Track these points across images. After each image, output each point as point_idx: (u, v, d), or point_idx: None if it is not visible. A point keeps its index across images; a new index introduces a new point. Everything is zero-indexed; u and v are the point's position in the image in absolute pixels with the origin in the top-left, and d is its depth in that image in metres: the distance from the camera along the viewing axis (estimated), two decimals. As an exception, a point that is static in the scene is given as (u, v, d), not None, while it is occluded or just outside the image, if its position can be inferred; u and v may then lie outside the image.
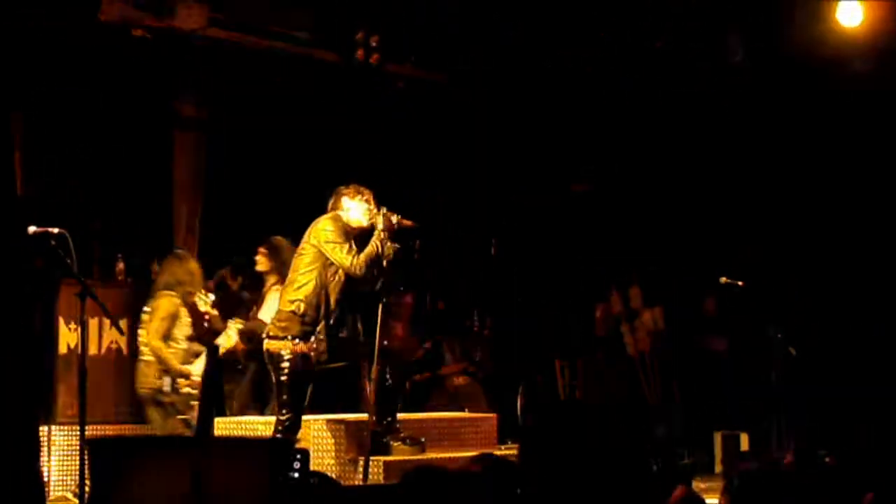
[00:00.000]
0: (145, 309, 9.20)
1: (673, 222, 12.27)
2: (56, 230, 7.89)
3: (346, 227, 7.93)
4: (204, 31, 10.80)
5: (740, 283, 10.11)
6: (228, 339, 9.44)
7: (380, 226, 7.85)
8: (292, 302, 7.83)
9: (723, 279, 10.18)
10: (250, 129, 11.70)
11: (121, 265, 10.31)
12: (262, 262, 9.75)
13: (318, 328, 7.82)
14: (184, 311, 9.19)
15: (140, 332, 9.22)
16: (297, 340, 7.75)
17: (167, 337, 9.10)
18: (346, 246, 7.82)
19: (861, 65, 10.94)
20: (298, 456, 6.14)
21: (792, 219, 11.71)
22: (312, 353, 7.78)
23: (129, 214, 11.04)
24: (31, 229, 7.94)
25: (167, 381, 9.06)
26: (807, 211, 11.68)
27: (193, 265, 9.48)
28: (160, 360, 9.05)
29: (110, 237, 10.92)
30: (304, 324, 7.79)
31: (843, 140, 11.53)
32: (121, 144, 11.36)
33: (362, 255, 7.80)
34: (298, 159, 11.70)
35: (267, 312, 9.07)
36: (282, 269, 8.98)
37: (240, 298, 10.54)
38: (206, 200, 12.06)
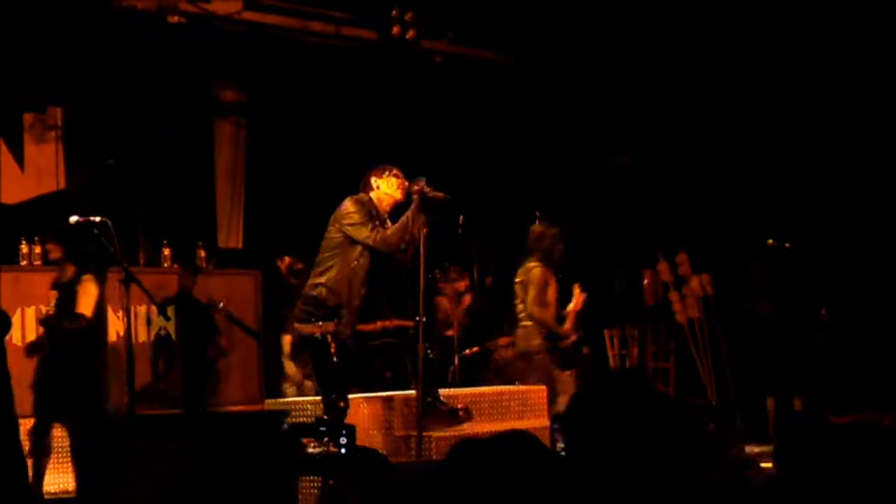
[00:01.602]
0: (516, 280, 9.63)
1: (718, 186, 12.15)
2: (98, 218, 7.95)
3: (373, 206, 7.89)
4: (240, 15, 10.83)
5: (787, 244, 10.01)
6: None
7: (415, 195, 7.80)
8: (315, 287, 7.82)
9: (770, 241, 10.08)
10: (290, 112, 11.71)
11: (166, 251, 10.34)
12: (54, 250, 8.82)
13: (344, 312, 7.76)
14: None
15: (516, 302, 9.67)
16: (320, 322, 7.74)
17: (543, 303, 9.53)
18: (370, 224, 7.79)
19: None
20: (344, 432, 6.17)
21: (838, 180, 11.54)
22: (340, 334, 7.76)
23: (173, 200, 11.08)
24: (73, 219, 8.01)
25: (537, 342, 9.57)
26: (853, 173, 11.51)
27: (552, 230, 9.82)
28: (541, 324, 9.54)
29: (154, 224, 10.96)
30: (327, 307, 7.76)
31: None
32: (162, 131, 11.40)
33: (390, 229, 7.78)
34: (338, 141, 11.69)
35: (85, 305, 8.59)
36: (77, 257, 8.66)
37: (289, 284, 10.54)
38: (248, 185, 12.12)
